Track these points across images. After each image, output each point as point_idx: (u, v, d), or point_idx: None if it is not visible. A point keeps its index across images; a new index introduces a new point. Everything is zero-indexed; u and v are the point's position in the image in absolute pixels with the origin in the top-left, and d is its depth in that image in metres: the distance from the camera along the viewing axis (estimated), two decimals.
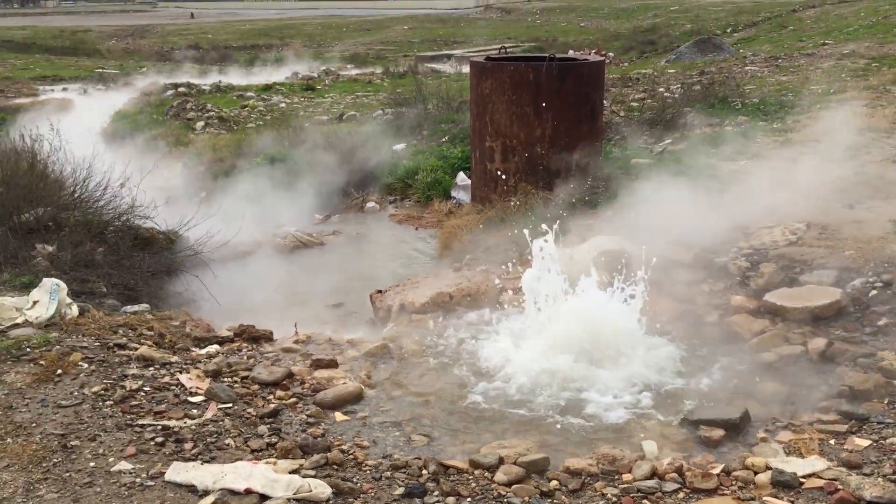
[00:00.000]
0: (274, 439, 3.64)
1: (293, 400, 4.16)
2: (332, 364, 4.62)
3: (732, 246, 5.74)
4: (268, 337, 5.02)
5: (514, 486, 3.35)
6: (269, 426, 3.79)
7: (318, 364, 4.61)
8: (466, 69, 26.19)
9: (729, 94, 11.34)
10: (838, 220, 5.96)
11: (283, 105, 15.50)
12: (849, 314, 4.75)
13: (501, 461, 3.53)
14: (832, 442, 3.62)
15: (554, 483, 3.40)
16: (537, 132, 7.28)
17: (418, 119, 12.07)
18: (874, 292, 4.81)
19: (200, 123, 13.48)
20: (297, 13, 78.22)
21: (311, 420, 3.95)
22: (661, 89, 12.82)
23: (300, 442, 3.60)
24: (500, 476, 3.41)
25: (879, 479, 3.15)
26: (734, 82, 12.65)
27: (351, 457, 3.56)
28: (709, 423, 3.87)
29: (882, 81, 11.85)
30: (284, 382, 4.32)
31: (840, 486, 3.14)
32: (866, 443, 3.55)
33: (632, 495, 3.27)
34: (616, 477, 3.43)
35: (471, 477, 3.42)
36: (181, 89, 17.49)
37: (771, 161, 7.95)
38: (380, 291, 5.97)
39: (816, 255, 5.39)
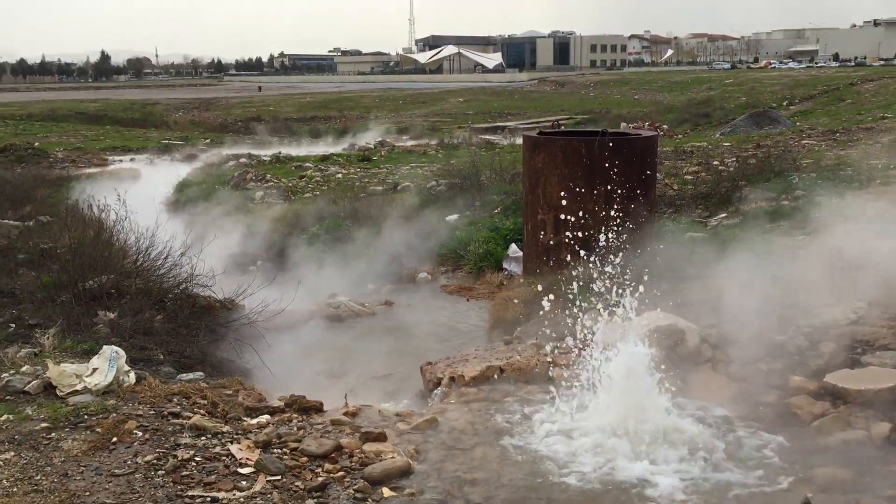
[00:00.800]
0: None
1: (341, 473, 4.14)
2: (381, 437, 4.60)
3: (791, 324, 5.61)
4: (318, 408, 5.04)
5: None
6: (316, 500, 3.78)
7: (367, 437, 4.59)
8: (520, 141, 26.50)
9: (785, 168, 11.23)
10: None
11: (340, 175, 15.84)
12: None
13: None
14: None
15: None
16: (589, 205, 7.28)
17: (471, 190, 12.21)
18: None
19: (259, 193, 13.84)
20: (355, 86, 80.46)
21: (358, 495, 3.92)
22: (716, 162, 12.77)
23: None
24: None
25: None
26: (791, 156, 12.55)
27: None
28: None
29: None
30: (333, 455, 4.31)
31: None
32: None
33: None
34: None
35: None
36: (242, 160, 18.05)
37: (830, 237, 7.81)
38: (430, 363, 5.96)
39: (879, 335, 5.23)
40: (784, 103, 37.52)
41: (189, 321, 6.34)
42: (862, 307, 5.68)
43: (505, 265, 8.83)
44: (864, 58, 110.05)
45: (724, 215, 9.24)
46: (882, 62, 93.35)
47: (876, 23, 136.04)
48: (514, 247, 8.88)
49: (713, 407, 4.76)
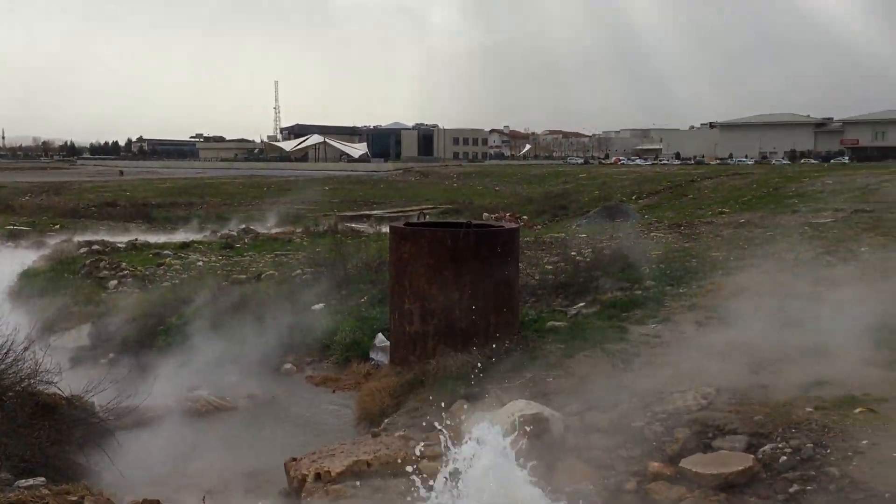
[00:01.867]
0: None
1: None
2: None
3: (647, 410, 5.83)
4: None
5: None
6: None
7: None
8: (386, 229, 26.63)
9: (637, 260, 11.84)
10: (746, 385, 6.16)
11: (201, 263, 15.39)
12: (761, 480, 4.83)
13: None
14: None
15: None
16: (455, 295, 7.41)
17: (337, 279, 12.14)
18: (784, 458, 4.92)
19: (113, 282, 13.22)
20: (218, 173, 79.22)
21: None
22: (574, 253, 13.31)
23: None
24: None
25: None
26: (641, 248, 13.26)
27: None
28: None
29: (777, 250, 12.62)
30: None
31: None
32: None
33: None
34: None
35: None
36: (95, 247, 17.24)
37: (679, 325, 8.26)
38: (295, 459, 5.77)
39: (728, 419, 5.52)
40: (633, 197, 39.86)
41: (31, 421, 5.87)
42: (711, 392, 5.99)
43: (372, 355, 8.77)
44: (703, 157, 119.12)
45: (582, 304, 9.59)
46: (718, 161, 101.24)
47: (712, 125, 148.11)
48: (381, 336, 8.85)
49: (578, 495, 4.83)
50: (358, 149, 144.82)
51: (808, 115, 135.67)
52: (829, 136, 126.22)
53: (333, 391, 8.20)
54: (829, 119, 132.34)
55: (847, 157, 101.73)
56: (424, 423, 6.26)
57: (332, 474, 5.30)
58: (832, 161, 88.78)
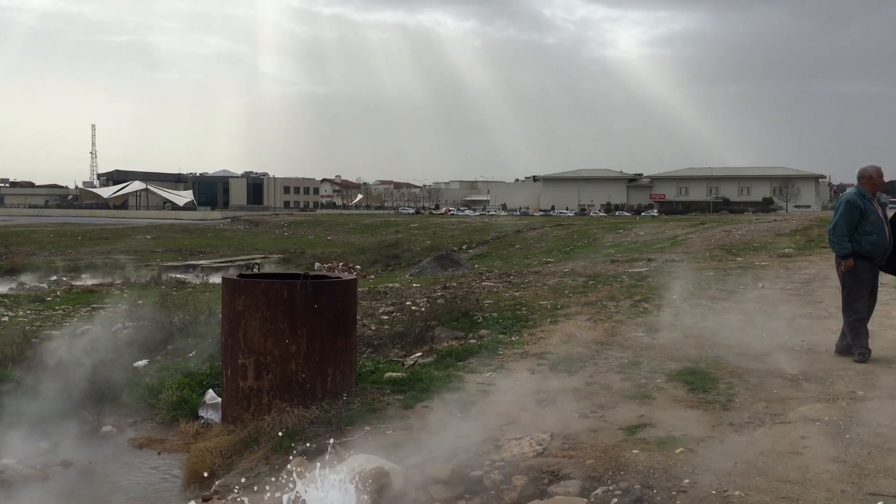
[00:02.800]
0: None
1: None
2: None
3: (486, 459, 5.90)
4: None
5: None
6: None
7: None
8: (214, 279, 25.72)
9: (471, 308, 12.10)
10: (577, 430, 6.39)
11: (6, 318, 14.18)
12: None
13: None
14: None
15: None
16: (292, 348, 7.24)
17: (163, 333, 11.55)
18: (615, 500, 5.12)
19: None
20: (26, 220, 73.82)
21: None
22: (409, 303, 13.42)
23: None
24: None
25: None
26: (474, 297, 13.58)
27: None
28: None
29: (599, 297, 13.31)
30: None
31: None
32: None
33: None
34: None
35: None
36: None
37: (513, 373, 8.47)
38: None
39: (562, 465, 5.68)
40: (463, 247, 40.94)
41: None
42: (546, 438, 6.15)
43: (201, 413, 8.34)
44: (528, 208, 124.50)
45: (419, 354, 9.65)
46: (542, 212, 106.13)
47: (535, 178, 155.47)
48: (211, 393, 8.46)
49: None
50: (183, 196, 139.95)
51: (621, 171, 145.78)
52: (640, 191, 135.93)
53: (159, 453, 7.71)
54: (639, 175, 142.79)
55: (656, 210, 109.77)
56: (260, 484, 6.00)
57: None
58: (643, 214, 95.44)
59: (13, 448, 7.64)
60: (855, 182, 8.76)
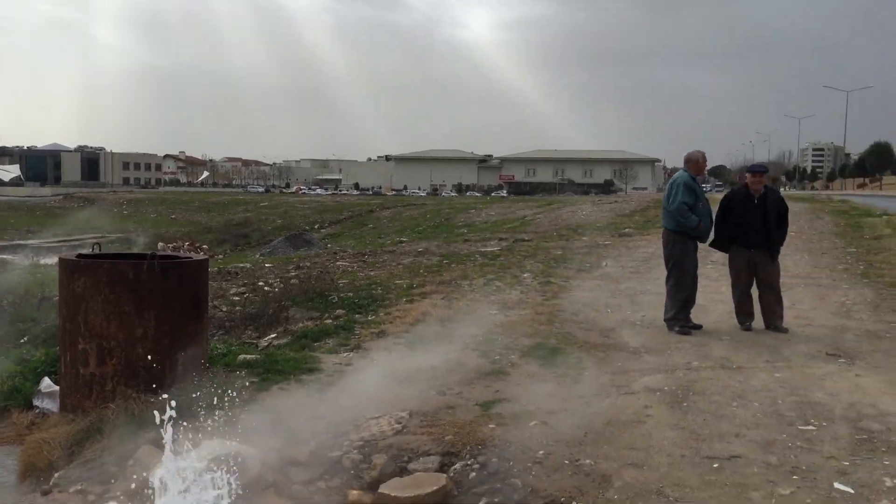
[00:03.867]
0: None
1: None
2: None
3: (345, 439, 5.87)
4: None
5: None
6: None
7: None
8: (46, 261, 24.12)
9: (325, 289, 11.97)
10: (435, 407, 6.46)
11: None
12: (454, 497, 5.08)
13: None
14: None
15: None
16: (138, 332, 6.88)
17: None
18: (473, 474, 5.23)
19: None
20: None
21: None
22: (261, 283, 13.10)
23: None
24: None
25: None
26: (329, 276, 13.43)
27: None
28: None
29: (453, 276, 13.51)
30: None
31: None
32: None
33: None
34: None
35: None
36: None
37: (370, 352, 8.46)
38: None
39: (421, 442, 5.74)
40: (315, 226, 40.36)
41: None
42: (404, 417, 6.19)
43: (36, 402, 7.79)
44: (380, 187, 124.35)
45: (273, 335, 9.45)
46: (394, 192, 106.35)
47: (388, 158, 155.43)
48: (47, 381, 7.91)
49: None
50: (9, 171, 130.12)
51: (472, 152, 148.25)
52: (490, 172, 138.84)
53: None
54: (489, 156, 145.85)
55: (505, 191, 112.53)
56: (105, 475, 5.70)
57: None
58: (493, 194, 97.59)
59: None
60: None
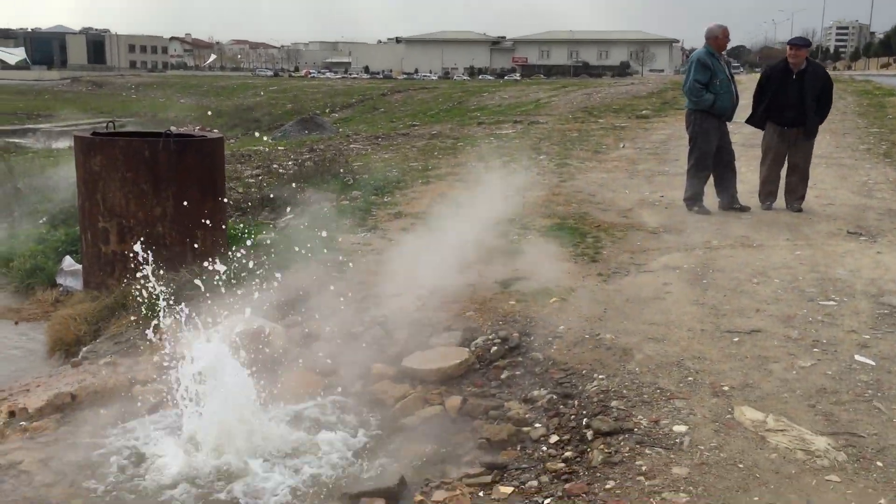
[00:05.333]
0: None
1: None
2: None
3: (366, 315, 5.93)
4: None
5: None
6: None
7: None
8: (58, 145, 24.03)
9: (341, 171, 11.89)
10: (454, 285, 6.49)
11: None
12: (476, 370, 5.16)
13: None
14: (482, 494, 3.85)
15: None
16: (157, 211, 6.88)
17: (6, 199, 10.75)
18: (494, 348, 5.30)
19: None
20: None
21: None
22: (276, 166, 13.03)
23: None
24: None
25: None
26: (343, 159, 13.33)
27: None
28: (368, 495, 3.89)
29: (468, 159, 13.39)
30: None
31: None
32: (510, 490, 3.83)
33: None
34: None
35: None
36: None
37: (388, 233, 8.47)
38: None
39: (442, 318, 5.79)
40: (327, 110, 39.83)
41: None
42: (425, 294, 6.23)
43: (59, 280, 7.90)
44: (391, 71, 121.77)
45: (290, 216, 9.44)
46: (405, 75, 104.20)
47: (398, 40, 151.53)
48: (69, 259, 8.00)
49: (307, 404, 4.81)
50: (14, 54, 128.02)
51: (485, 34, 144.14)
52: (503, 54, 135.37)
53: (16, 323, 7.30)
54: (502, 38, 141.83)
55: (518, 74, 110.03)
56: (132, 348, 5.82)
57: (30, 411, 4.74)
58: (506, 77, 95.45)
59: None
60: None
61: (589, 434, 4.10)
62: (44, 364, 6.35)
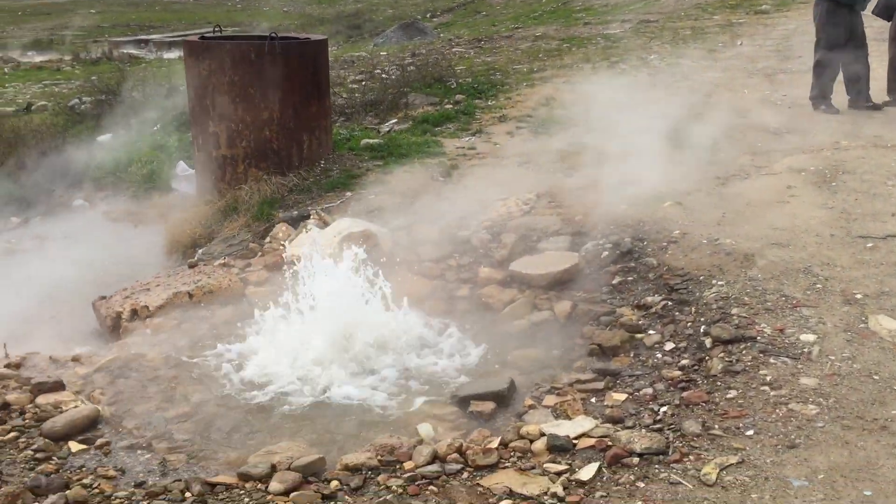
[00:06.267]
0: None
1: (13, 435, 3.55)
2: (58, 387, 4.00)
3: (473, 220, 5.83)
4: None
5: (292, 495, 3.10)
6: None
7: (41, 388, 3.97)
8: (168, 55, 24.52)
9: (443, 75, 11.65)
10: (562, 188, 6.30)
11: None
12: (586, 276, 5.01)
13: (274, 469, 3.26)
14: (593, 400, 3.77)
15: (335, 483, 3.19)
16: (264, 115, 6.90)
17: (123, 107, 11.05)
18: (605, 253, 5.13)
19: None
20: None
21: (39, 455, 3.39)
22: (378, 71, 12.89)
23: (30, 483, 3.07)
24: (274, 485, 3.14)
25: (643, 431, 3.30)
26: (446, 63, 13.05)
27: (97, 491, 3.09)
28: (478, 398, 3.88)
29: (574, 60, 12.87)
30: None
31: (610, 443, 3.24)
32: (623, 396, 3.73)
33: (417, 483, 3.15)
34: (398, 466, 3.29)
35: (242, 492, 3.12)
36: None
37: (492, 136, 8.28)
38: (104, 298, 5.30)
39: (550, 222, 5.63)
40: (427, 15, 39.10)
41: None
42: (532, 198, 6.07)
43: (174, 185, 8.12)
44: None
45: (394, 121, 9.34)
46: None
47: None
48: (182, 164, 8.19)
49: (415, 307, 4.80)
50: None
51: None
52: None
53: (136, 225, 7.59)
54: None
55: None
56: (245, 250, 5.94)
57: (151, 309, 4.93)
58: None
59: None
60: None
61: (707, 342, 3.92)
62: (162, 265, 6.58)
